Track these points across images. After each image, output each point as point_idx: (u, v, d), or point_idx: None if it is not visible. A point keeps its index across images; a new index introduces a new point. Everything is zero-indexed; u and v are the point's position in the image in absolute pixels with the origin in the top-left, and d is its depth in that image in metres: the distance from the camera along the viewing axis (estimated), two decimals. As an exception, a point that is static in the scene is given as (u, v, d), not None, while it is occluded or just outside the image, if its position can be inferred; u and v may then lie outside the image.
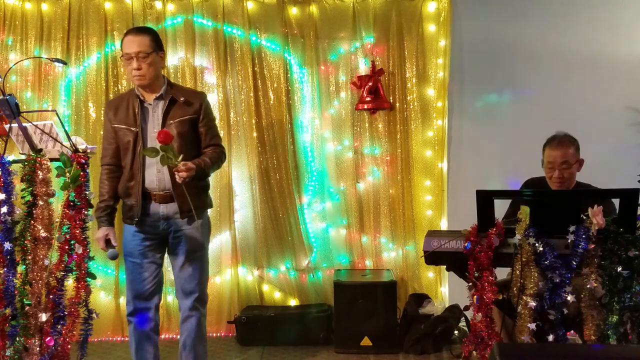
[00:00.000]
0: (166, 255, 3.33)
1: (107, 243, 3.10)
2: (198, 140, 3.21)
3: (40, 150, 2.79)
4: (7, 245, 2.59)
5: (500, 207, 2.77)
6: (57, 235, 2.71)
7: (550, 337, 2.57)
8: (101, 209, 3.18)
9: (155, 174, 3.12)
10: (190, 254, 3.20)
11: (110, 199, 3.20)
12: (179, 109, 3.15)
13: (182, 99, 3.15)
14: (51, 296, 2.68)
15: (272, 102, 4.56)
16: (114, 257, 3.03)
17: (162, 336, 4.46)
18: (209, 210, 3.40)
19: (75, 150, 2.77)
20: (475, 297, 2.67)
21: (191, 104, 3.17)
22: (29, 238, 2.67)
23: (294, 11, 4.55)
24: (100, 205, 3.19)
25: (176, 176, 2.90)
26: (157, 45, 3.14)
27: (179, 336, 3.35)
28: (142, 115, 3.16)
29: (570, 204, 2.71)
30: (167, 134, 2.79)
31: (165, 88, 3.18)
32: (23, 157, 2.77)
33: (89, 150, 2.81)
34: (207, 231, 3.34)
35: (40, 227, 2.66)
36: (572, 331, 2.58)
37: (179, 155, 2.85)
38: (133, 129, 3.14)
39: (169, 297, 4.49)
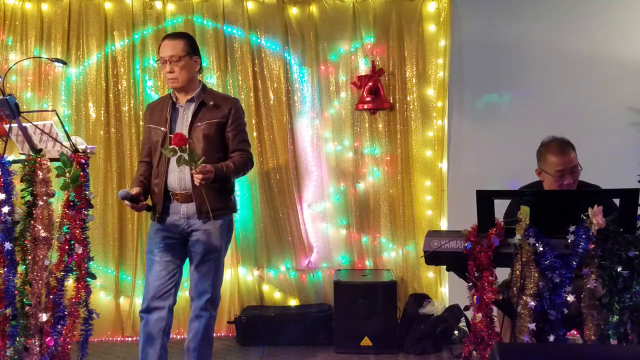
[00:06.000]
0: None
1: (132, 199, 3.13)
2: (225, 144, 3.26)
3: (40, 150, 2.79)
4: (7, 245, 2.59)
5: (500, 207, 2.76)
6: (57, 235, 2.71)
7: (551, 337, 2.57)
8: (134, 181, 3.30)
9: (177, 174, 3.17)
10: (206, 254, 3.22)
11: (141, 176, 3.29)
12: (208, 112, 3.21)
13: (211, 102, 3.22)
14: (51, 296, 2.68)
15: (272, 102, 4.57)
16: (121, 195, 3.05)
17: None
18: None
19: (75, 150, 2.77)
20: (475, 297, 2.67)
21: (220, 108, 3.23)
22: (29, 238, 2.67)
23: (294, 11, 4.56)
24: (134, 180, 3.33)
25: (194, 178, 2.96)
26: (191, 49, 3.22)
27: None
28: (172, 117, 3.24)
29: (570, 204, 2.71)
30: (182, 137, 2.81)
31: (198, 92, 3.25)
32: (23, 157, 2.76)
33: (88, 150, 2.81)
34: (227, 234, 3.33)
35: (40, 227, 2.66)
36: (572, 331, 2.58)
37: (199, 159, 2.88)
38: (162, 129, 3.23)
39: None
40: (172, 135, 2.97)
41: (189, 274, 3.33)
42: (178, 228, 3.22)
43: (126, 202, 3.10)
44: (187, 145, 2.82)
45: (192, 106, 3.23)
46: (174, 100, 3.26)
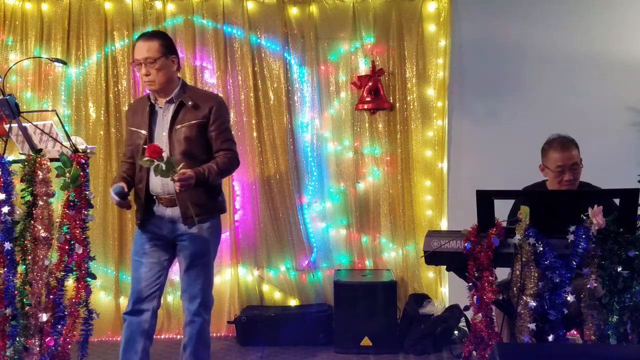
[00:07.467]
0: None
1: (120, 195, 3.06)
2: (208, 144, 3.14)
3: (40, 150, 2.79)
4: (7, 245, 2.59)
5: (500, 207, 2.77)
6: (57, 235, 2.71)
7: (550, 337, 2.57)
8: (117, 177, 3.24)
9: (160, 178, 3.03)
10: (194, 258, 3.14)
11: (124, 173, 3.21)
12: (188, 113, 3.10)
13: (190, 102, 3.10)
14: (51, 296, 2.68)
15: (272, 102, 4.56)
16: (116, 191, 2.99)
17: (162, 336, 4.47)
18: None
19: (75, 150, 2.77)
20: (475, 297, 2.67)
21: (200, 108, 3.10)
22: (29, 238, 2.67)
23: (294, 11, 4.55)
24: (116, 177, 3.26)
25: (175, 186, 2.87)
26: (167, 50, 3.08)
27: (179, 336, 3.32)
28: (152, 119, 3.14)
29: (570, 204, 2.71)
30: (155, 149, 2.71)
31: (177, 91, 3.13)
32: (23, 157, 2.77)
33: (88, 150, 2.81)
34: (215, 237, 3.25)
35: (40, 227, 2.67)
36: (572, 331, 2.58)
37: (177, 165, 2.79)
38: (143, 132, 3.13)
39: (169, 297, 4.50)
40: (145, 147, 2.86)
41: (179, 278, 3.29)
42: (163, 231, 3.15)
43: (116, 198, 2.99)
44: (163, 156, 2.72)
45: (172, 107, 3.11)
46: (153, 101, 3.15)
